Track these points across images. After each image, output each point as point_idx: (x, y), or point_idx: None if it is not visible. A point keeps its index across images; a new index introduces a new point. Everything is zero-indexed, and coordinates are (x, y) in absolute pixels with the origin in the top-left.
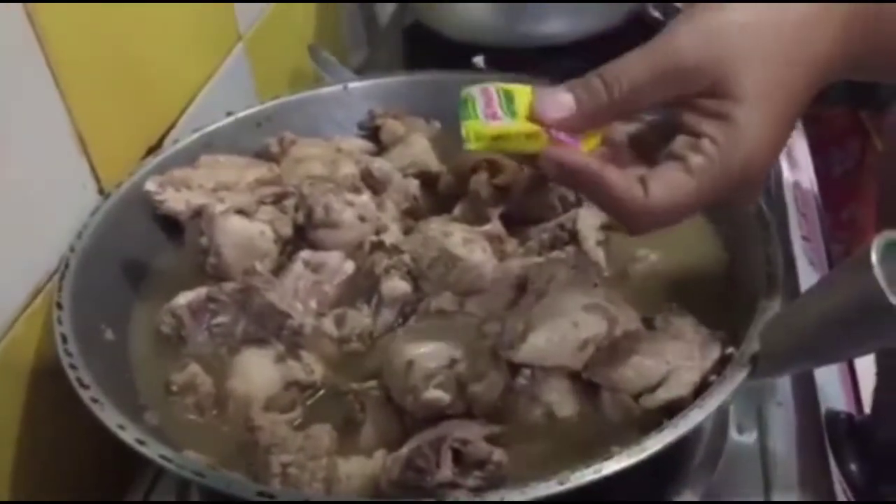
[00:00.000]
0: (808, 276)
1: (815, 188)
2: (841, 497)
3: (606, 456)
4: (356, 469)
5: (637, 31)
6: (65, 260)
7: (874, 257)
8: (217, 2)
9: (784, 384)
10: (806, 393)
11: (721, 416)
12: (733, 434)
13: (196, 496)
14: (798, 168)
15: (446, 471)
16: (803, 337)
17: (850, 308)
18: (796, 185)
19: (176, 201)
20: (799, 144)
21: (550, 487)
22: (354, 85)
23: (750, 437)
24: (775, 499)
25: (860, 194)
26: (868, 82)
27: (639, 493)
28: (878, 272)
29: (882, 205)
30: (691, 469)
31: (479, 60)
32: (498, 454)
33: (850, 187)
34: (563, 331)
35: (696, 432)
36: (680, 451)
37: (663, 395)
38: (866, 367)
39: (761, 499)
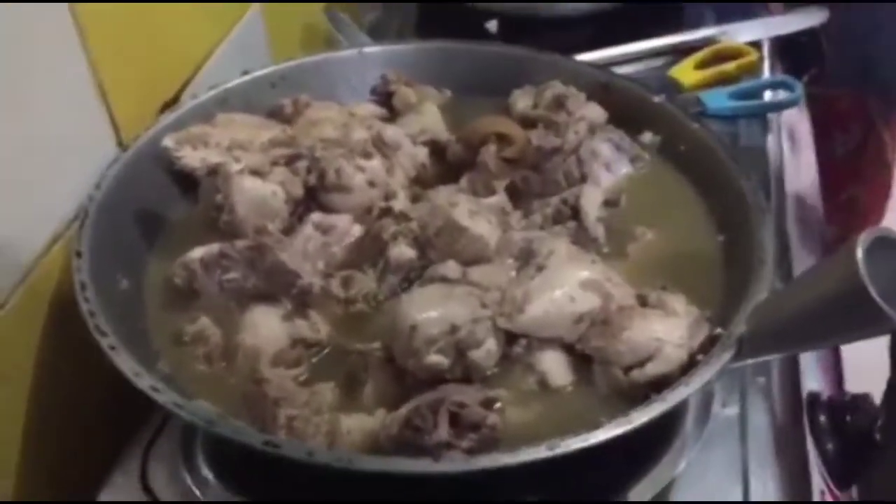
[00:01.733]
0: (801, 259)
1: (815, 170)
2: (815, 474)
3: (595, 425)
4: (357, 425)
5: (648, 5)
6: (83, 209)
7: (859, 253)
8: None
9: (768, 364)
10: (789, 373)
11: (706, 391)
12: (717, 409)
13: (200, 445)
14: (799, 149)
15: (443, 431)
16: (788, 324)
17: (834, 300)
18: (796, 166)
19: (192, 158)
20: (801, 124)
21: (540, 452)
22: (369, 50)
23: (732, 414)
24: (752, 473)
25: (861, 177)
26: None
27: (624, 461)
28: (862, 268)
29: None
30: (676, 442)
31: (492, 25)
32: (492, 418)
33: (851, 169)
34: (560, 304)
35: (682, 405)
36: (666, 423)
37: (652, 370)
38: (850, 352)
39: (739, 472)
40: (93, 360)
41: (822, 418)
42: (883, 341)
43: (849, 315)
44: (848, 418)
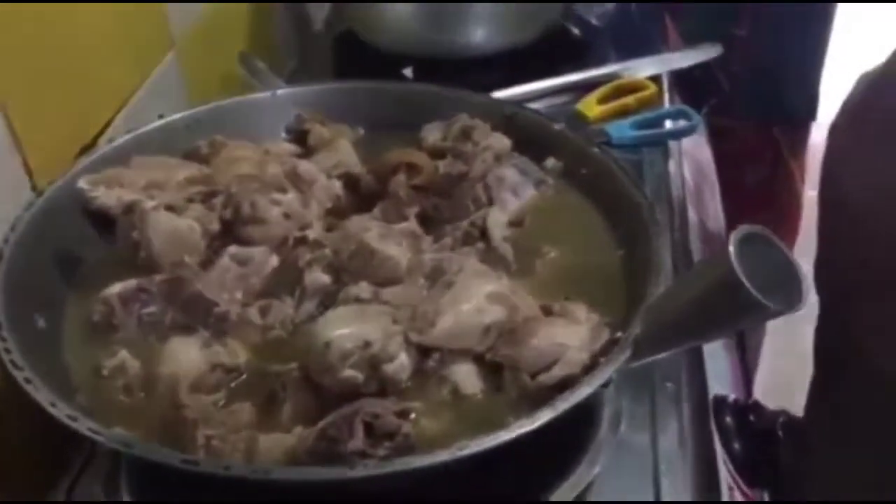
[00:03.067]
0: None
1: (718, 196)
2: (724, 472)
3: (502, 426)
4: (276, 443)
5: (556, 45)
6: None
7: (732, 247)
8: (149, 1)
9: (676, 370)
10: (696, 378)
11: (617, 399)
12: (627, 416)
13: (124, 477)
14: (702, 177)
15: (358, 441)
16: (676, 320)
17: (713, 293)
18: (698, 192)
19: (108, 197)
20: (704, 155)
21: (451, 453)
22: (283, 91)
23: (643, 420)
24: (663, 474)
25: (771, 206)
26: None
27: (544, 466)
28: (734, 259)
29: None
30: (590, 448)
31: (408, 72)
32: (406, 427)
33: (763, 198)
34: (468, 316)
35: (593, 413)
36: (580, 432)
37: (557, 373)
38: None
39: (651, 475)
40: (13, 401)
41: (728, 419)
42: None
43: (727, 305)
44: (752, 418)
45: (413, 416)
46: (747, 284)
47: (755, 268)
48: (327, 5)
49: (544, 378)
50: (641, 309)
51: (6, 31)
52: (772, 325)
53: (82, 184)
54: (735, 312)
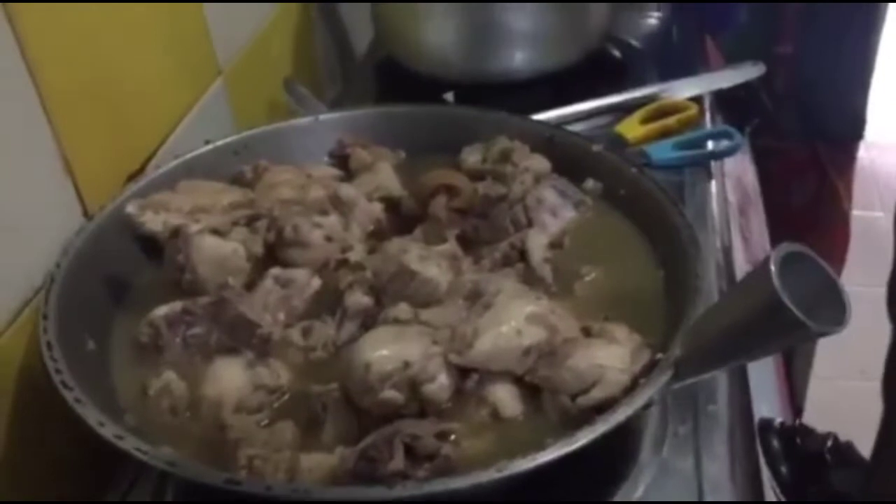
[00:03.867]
0: None
1: (762, 217)
2: (770, 495)
3: (542, 448)
4: (317, 463)
5: (597, 67)
6: (50, 275)
7: (773, 266)
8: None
9: (720, 392)
10: (741, 399)
11: (660, 421)
12: (670, 438)
13: (170, 497)
14: (746, 198)
15: (398, 462)
16: (717, 341)
17: (755, 313)
18: (743, 213)
19: (154, 222)
20: (748, 175)
21: (490, 474)
22: (325, 116)
23: (686, 442)
24: (707, 495)
25: (818, 226)
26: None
27: (584, 488)
28: (776, 279)
29: None
30: (632, 471)
31: (449, 96)
32: (446, 448)
33: (808, 219)
34: (507, 337)
35: (635, 435)
36: (622, 454)
37: (597, 394)
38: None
39: (696, 498)
40: (64, 420)
41: (775, 442)
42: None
43: (769, 325)
44: (799, 441)
45: (453, 437)
46: (789, 304)
47: (797, 287)
48: (370, 32)
49: (584, 400)
50: (682, 330)
51: (57, 59)
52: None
53: (130, 209)
54: (777, 333)
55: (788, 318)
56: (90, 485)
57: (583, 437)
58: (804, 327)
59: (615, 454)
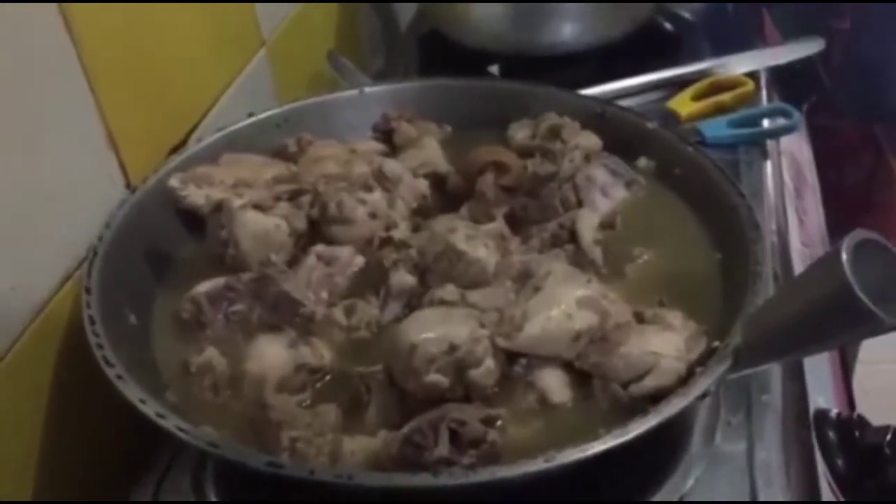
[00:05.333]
0: None
1: (818, 197)
2: (825, 488)
3: (592, 437)
4: (360, 446)
5: (647, 41)
6: (93, 249)
7: (845, 255)
8: (240, 1)
9: (774, 381)
10: (795, 389)
11: (712, 410)
12: (723, 428)
13: (210, 476)
14: (801, 177)
15: (443, 448)
16: (781, 331)
17: (823, 303)
18: (798, 193)
19: (197, 196)
20: (804, 154)
21: (538, 464)
22: (370, 89)
23: (739, 432)
24: (761, 489)
25: (872, 206)
26: (879, 93)
27: (632, 480)
28: (847, 269)
29: None
30: (683, 460)
31: (494, 69)
32: (492, 434)
33: (862, 199)
34: (557, 322)
35: (686, 424)
36: (673, 443)
37: (650, 383)
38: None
39: (748, 491)
40: (105, 394)
41: (831, 435)
42: None
43: (838, 317)
44: (857, 434)
45: (499, 423)
46: (862, 296)
47: (868, 277)
48: (413, 5)
49: (636, 389)
50: (742, 317)
51: (101, 33)
52: None
53: (172, 182)
54: (846, 325)
55: (860, 310)
56: (129, 462)
57: (636, 429)
58: (877, 320)
59: (665, 443)
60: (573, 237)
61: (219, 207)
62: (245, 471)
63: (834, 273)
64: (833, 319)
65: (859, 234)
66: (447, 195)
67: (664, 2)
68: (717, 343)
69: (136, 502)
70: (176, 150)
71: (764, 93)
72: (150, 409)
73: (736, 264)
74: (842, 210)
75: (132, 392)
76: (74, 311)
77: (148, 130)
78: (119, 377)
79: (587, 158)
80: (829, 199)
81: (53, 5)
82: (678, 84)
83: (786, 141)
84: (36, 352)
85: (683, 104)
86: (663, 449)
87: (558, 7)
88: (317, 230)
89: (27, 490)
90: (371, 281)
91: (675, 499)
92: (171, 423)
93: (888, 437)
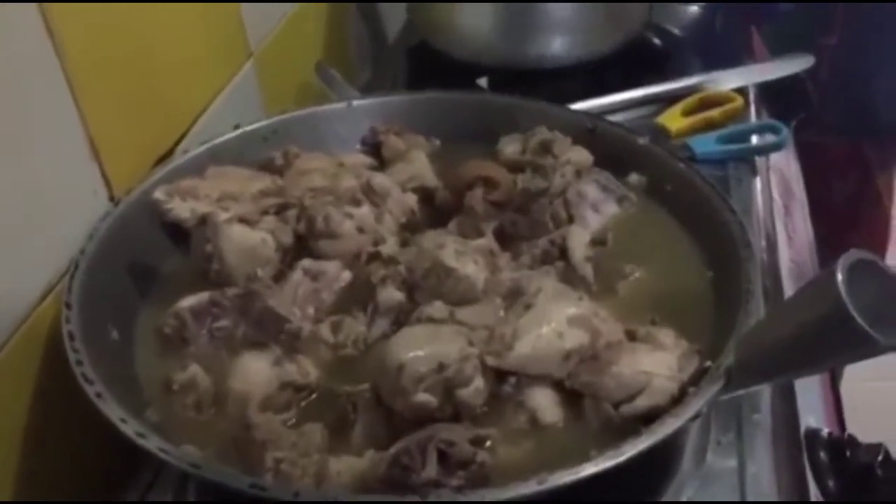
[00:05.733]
0: None
1: (807, 213)
2: None
3: (584, 459)
4: (346, 467)
5: (636, 55)
6: (75, 262)
7: (840, 276)
8: (229, 1)
9: (764, 400)
10: (786, 409)
11: (703, 430)
12: (713, 448)
13: (193, 496)
14: (790, 194)
15: (431, 470)
16: (774, 352)
17: (818, 325)
18: (787, 210)
19: (182, 209)
20: (792, 171)
21: (529, 487)
22: (358, 102)
23: (730, 452)
24: None
25: (859, 223)
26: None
27: (624, 501)
28: (843, 291)
29: None
30: (674, 481)
31: (482, 82)
32: (482, 455)
33: (849, 217)
34: (548, 340)
35: (677, 444)
36: (663, 463)
37: (642, 403)
38: (853, 388)
39: None
40: (86, 410)
41: (822, 455)
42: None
43: (833, 339)
44: (848, 454)
45: (489, 443)
46: (857, 317)
47: (861, 298)
48: (402, 16)
49: (628, 409)
50: (735, 337)
51: (85, 39)
52: None
53: (157, 195)
54: (841, 347)
55: (856, 332)
56: (111, 479)
57: (629, 450)
58: (872, 341)
59: (656, 462)
60: (564, 254)
61: (204, 221)
62: (228, 492)
63: (828, 294)
64: (827, 341)
65: (854, 254)
66: (435, 210)
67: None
68: (709, 363)
69: None
70: (161, 161)
71: (753, 109)
72: (130, 428)
73: (728, 282)
74: (829, 226)
75: (112, 411)
76: (56, 324)
77: (132, 142)
78: (98, 395)
79: (578, 174)
80: (816, 216)
81: (34, 8)
82: (667, 100)
83: (774, 157)
84: (17, 365)
85: (673, 119)
86: (654, 469)
87: (548, 20)
88: (303, 245)
89: None
90: (358, 297)
91: None
92: (152, 443)
93: (879, 456)
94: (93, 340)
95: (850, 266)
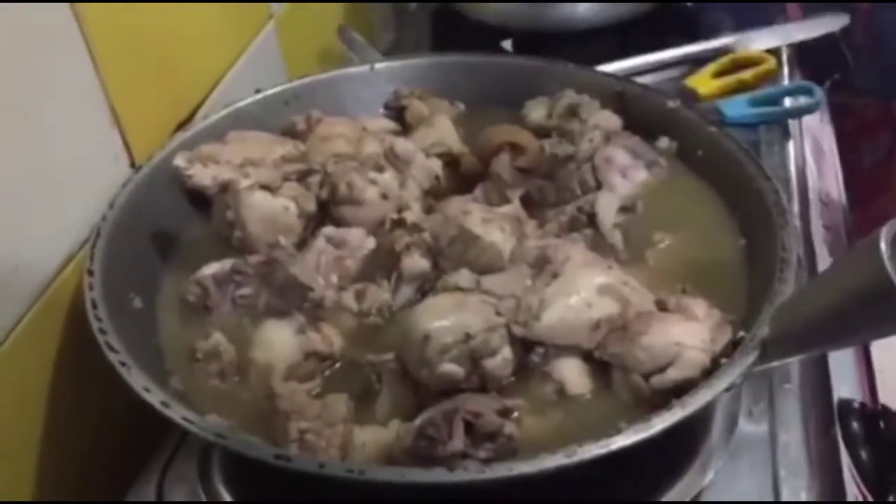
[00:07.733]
0: (827, 265)
1: (840, 178)
2: (849, 480)
3: (614, 431)
4: (371, 437)
5: (666, 16)
6: (96, 229)
7: (883, 245)
8: None
9: (795, 370)
10: (818, 380)
11: (733, 400)
12: (744, 418)
13: (217, 465)
14: (823, 157)
15: (458, 441)
16: (813, 323)
17: (859, 295)
18: (820, 174)
19: (203, 176)
20: (825, 134)
21: (558, 460)
22: (381, 65)
23: (761, 422)
24: (784, 481)
25: (891, 186)
26: None
27: (650, 471)
28: (887, 260)
29: None
30: (703, 452)
31: (507, 44)
32: (509, 427)
33: (881, 179)
34: (576, 310)
35: (707, 415)
36: (692, 432)
37: (673, 375)
38: (882, 356)
39: (770, 483)
40: (109, 378)
41: (855, 426)
42: None
43: (875, 310)
44: (882, 425)
45: (516, 414)
46: None
47: None
48: None
49: (658, 381)
50: (770, 307)
51: (104, 6)
52: None
53: (178, 161)
54: (883, 320)
55: None
56: (137, 445)
57: (659, 423)
58: None
59: (686, 434)
60: (592, 221)
61: (225, 188)
62: (252, 462)
63: (872, 264)
64: (868, 312)
65: None
66: (460, 176)
67: None
68: (742, 333)
69: (139, 502)
70: (181, 126)
71: (786, 70)
72: (154, 397)
73: (761, 250)
74: (860, 189)
75: (136, 379)
76: (77, 293)
77: (153, 107)
78: (123, 364)
79: (606, 139)
80: (847, 180)
81: None
82: (696, 61)
83: (807, 120)
84: (39, 334)
85: (703, 82)
86: (684, 440)
87: None
88: (326, 211)
89: (30, 477)
90: (382, 264)
91: (695, 492)
92: (176, 413)
93: None
94: (115, 309)
95: (894, 235)
